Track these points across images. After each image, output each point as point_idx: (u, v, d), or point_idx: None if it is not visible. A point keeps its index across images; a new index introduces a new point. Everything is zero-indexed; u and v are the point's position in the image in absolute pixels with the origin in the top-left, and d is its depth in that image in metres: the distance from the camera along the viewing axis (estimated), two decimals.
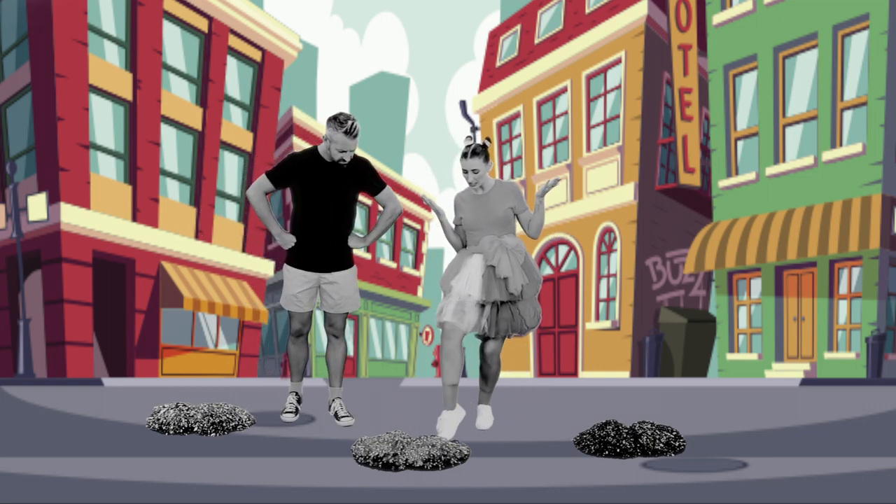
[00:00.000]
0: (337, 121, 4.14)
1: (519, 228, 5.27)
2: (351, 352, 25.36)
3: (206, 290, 17.18)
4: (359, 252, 25.48)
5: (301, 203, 4.37)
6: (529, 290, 4.14)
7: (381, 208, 4.69)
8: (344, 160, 4.23)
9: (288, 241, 4.39)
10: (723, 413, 5.58)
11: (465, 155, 4.14)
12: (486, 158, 4.18)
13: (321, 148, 4.30)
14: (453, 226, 4.37)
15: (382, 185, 4.46)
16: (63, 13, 14.76)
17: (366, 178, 4.40)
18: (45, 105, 14.89)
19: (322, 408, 5.42)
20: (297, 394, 4.71)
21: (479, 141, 4.26)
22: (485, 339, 4.24)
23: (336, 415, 4.50)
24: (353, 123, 4.15)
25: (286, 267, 4.50)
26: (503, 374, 23.12)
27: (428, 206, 5.02)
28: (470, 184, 4.20)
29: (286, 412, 4.62)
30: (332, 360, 4.57)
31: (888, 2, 13.34)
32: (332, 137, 4.16)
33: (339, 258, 4.44)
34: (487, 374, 4.30)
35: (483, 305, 4.11)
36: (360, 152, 28.03)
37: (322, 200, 4.32)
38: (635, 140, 17.41)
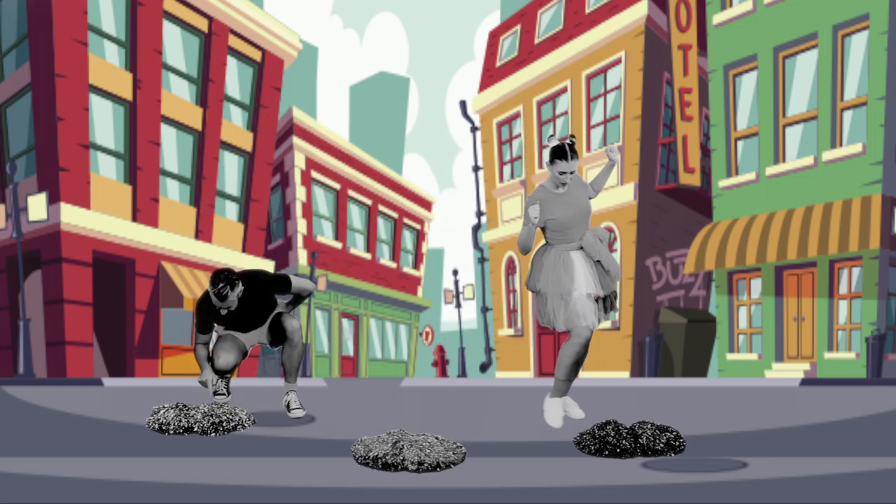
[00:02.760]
0: (212, 282, 4.27)
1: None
2: (351, 352, 25.36)
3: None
4: (358, 252, 25.50)
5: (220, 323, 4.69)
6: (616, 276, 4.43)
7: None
8: (228, 308, 4.40)
9: (208, 377, 4.66)
10: (723, 413, 5.57)
11: (564, 156, 4.12)
12: None
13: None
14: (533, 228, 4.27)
15: (287, 285, 4.65)
16: (63, 13, 14.76)
17: (267, 288, 4.59)
18: (45, 105, 14.89)
19: (322, 408, 5.42)
20: (227, 376, 4.99)
21: (566, 140, 4.20)
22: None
23: (288, 405, 4.71)
24: (221, 287, 4.23)
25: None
26: (503, 374, 22.78)
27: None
28: (563, 184, 4.23)
29: (218, 394, 4.82)
30: (286, 360, 4.73)
31: (888, 2, 13.33)
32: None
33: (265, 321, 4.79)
34: (576, 363, 4.42)
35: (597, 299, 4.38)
36: (358, 151, 27.79)
37: (240, 329, 4.68)
38: (635, 140, 17.41)
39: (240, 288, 4.31)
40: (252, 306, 4.52)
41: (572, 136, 4.27)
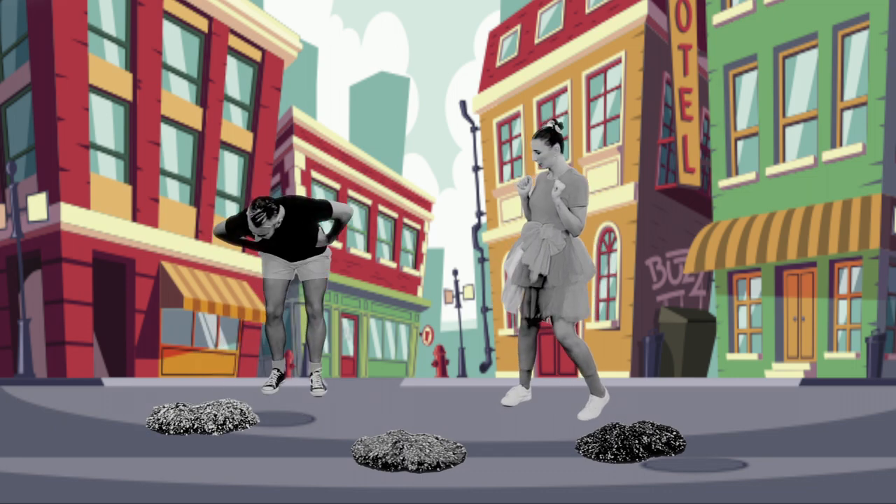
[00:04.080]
0: (251, 206, 4.30)
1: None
2: (351, 352, 25.36)
3: (206, 290, 17.18)
4: (358, 252, 25.50)
5: (262, 248, 4.75)
6: (555, 280, 4.34)
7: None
8: (263, 236, 4.39)
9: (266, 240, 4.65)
10: (723, 413, 5.57)
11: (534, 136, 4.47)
12: (551, 141, 4.40)
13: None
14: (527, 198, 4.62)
15: (329, 210, 4.64)
16: (63, 13, 14.76)
17: (309, 215, 4.59)
18: (45, 105, 14.89)
19: (322, 408, 5.41)
20: (279, 370, 5.19)
21: (550, 125, 4.54)
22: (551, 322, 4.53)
23: (311, 386, 5.02)
24: (258, 213, 4.23)
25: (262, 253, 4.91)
26: (505, 374, 22.76)
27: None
28: (536, 163, 4.49)
29: (266, 385, 5.07)
30: (311, 338, 5.02)
31: (888, 2, 13.33)
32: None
33: (309, 254, 4.87)
34: (572, 360, 4.51)
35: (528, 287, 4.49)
36: (358, 151, 27.77)
37: (279, 250, 4.72)
38: (635, 140, 17.41)
39: (278, 217, 4.32)
40: (293, 232, 4.56)
41: (554, 120, 4.54)
